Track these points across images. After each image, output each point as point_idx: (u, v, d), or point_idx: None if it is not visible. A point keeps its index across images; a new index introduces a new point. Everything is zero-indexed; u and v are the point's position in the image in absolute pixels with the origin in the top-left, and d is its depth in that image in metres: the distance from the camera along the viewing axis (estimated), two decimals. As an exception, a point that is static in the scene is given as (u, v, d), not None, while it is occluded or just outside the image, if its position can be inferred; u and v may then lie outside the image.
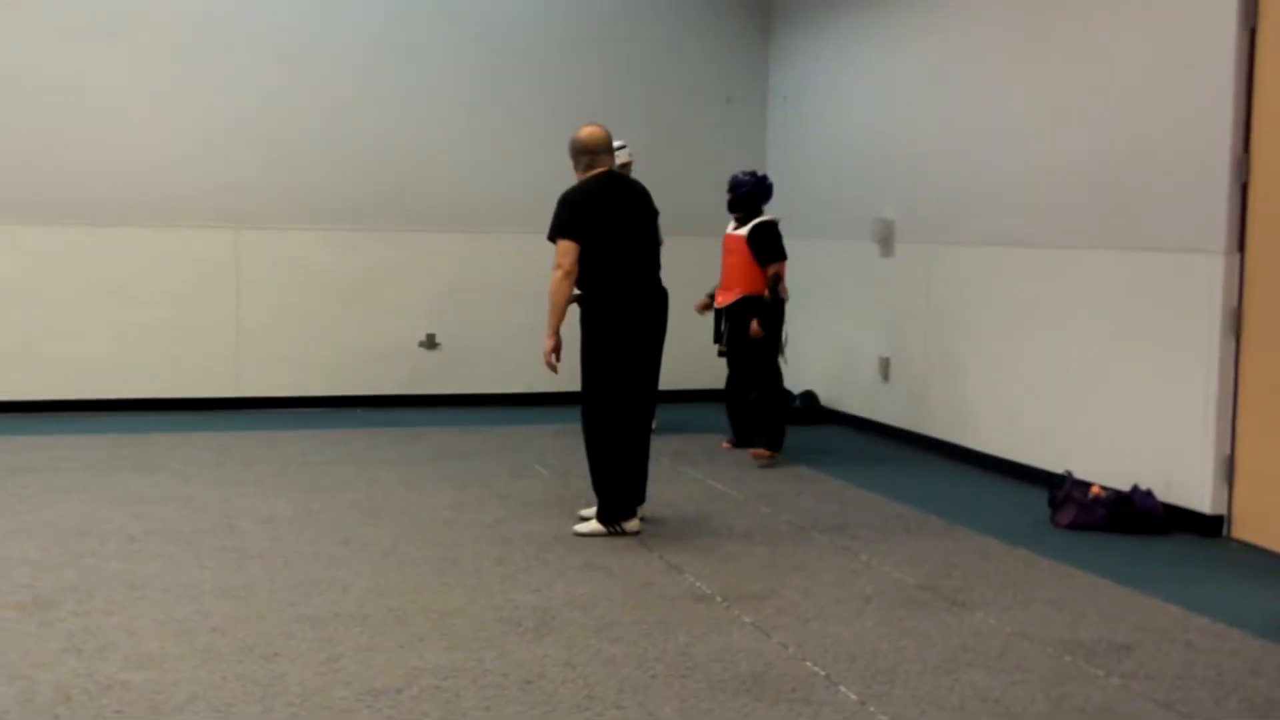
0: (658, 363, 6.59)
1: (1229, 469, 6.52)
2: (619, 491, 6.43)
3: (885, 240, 9.37)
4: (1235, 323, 6.46)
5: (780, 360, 8.45)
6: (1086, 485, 6.88)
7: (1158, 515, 6.65)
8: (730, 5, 11.21)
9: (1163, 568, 6.06)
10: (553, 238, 6.44)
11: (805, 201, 10.60)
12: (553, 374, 6.61)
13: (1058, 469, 7.25)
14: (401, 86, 10.49)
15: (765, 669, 4.58)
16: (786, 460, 8.35)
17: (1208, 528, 6.56)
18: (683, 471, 8.04)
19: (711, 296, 8.66)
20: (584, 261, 6.37)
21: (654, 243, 6.61)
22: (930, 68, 8.91)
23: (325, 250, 10.43)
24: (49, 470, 7.77)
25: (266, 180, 10.28)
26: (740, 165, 11.20)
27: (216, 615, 5.07)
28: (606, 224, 6.41)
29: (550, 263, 6.44)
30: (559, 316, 6.43)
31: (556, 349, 6.45)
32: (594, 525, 6.45)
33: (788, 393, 10.28)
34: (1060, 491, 6.91)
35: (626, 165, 8.60)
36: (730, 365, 8.61)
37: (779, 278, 8.24)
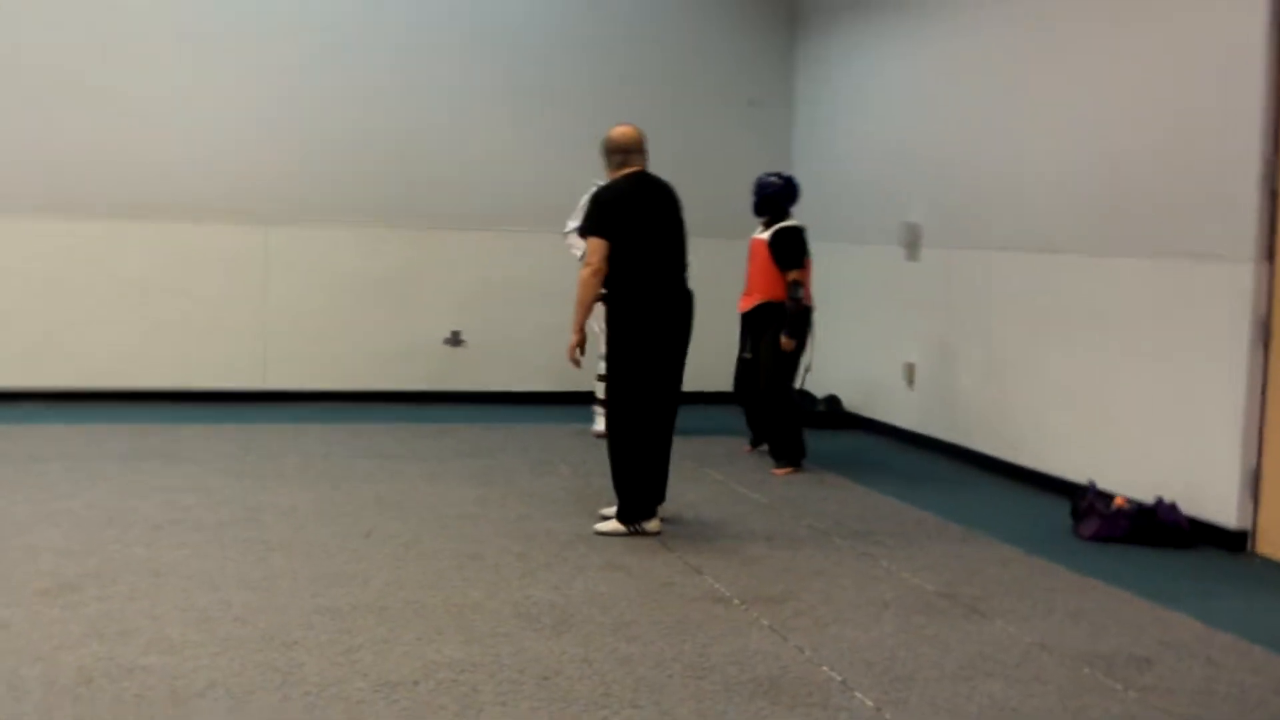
0: (682, 364, 6.59)
1: (1255, 483, 6.47)
2: (640, 491, 6.43)
3: (911, 245, 9.35)
4: (1264, 333, 6.39)
5: (799, 377, 8.37)
6: (1110, 496, 6.85)
7: (1181, 528, 6.61)
8: (757, 8, 11.21)
9: (1185, 582, 6.02)
10: (583, 235, 6.47)
11: (831, 205, 10.58)
12: (575, 369, 6.63)
13: (1081, 479, 7.22)
14: (429, 86, 10.53)
15: (782, 672, 4.58)
16: (810, 465, 8.33)
17: (1232, 542, 6.52)
18: (705, 473, 8.04)
19: None
20: (612, 260, 6.38)
21: (681, 244, 6.62)
22: (958, 71, 8.89)
23: (352, 247, 10.48)
24: (76, 459, 7.83)
25: (295, 177, 10.33)
26: (765, 168, 11.22)
27: (237, 604, 5.10)
28: (635, 223, 6.42)
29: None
30: (585, 313, 6.45)
31: (580, 344, 6.47)
32: (614, 525, 6.45)
33: (804, 398, 10.29)
34: (1083, 502, 6.88)
35: None
36: (745, 369, 8.51)
37: (798, 284, 8.13)
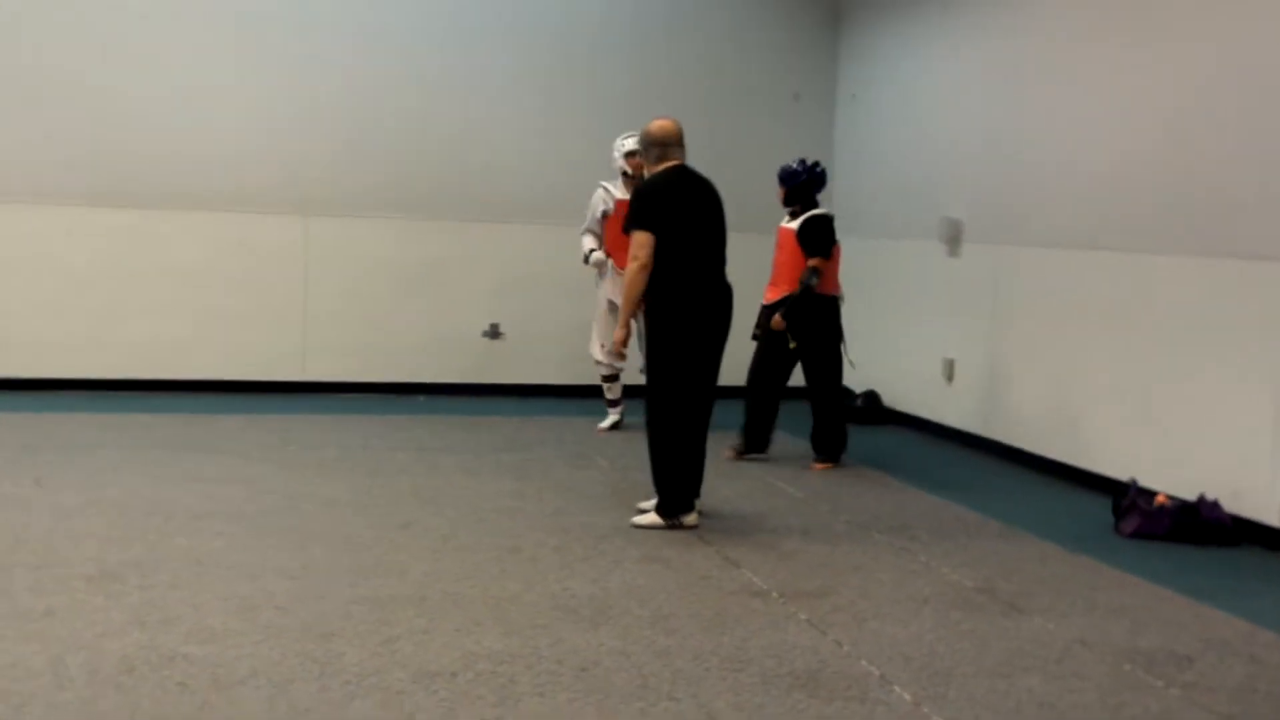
0: (720, 358, 6.58)
1: (1298, 481, 6.41)
2: (679, 485, 6.43)
3: (953, 240, 9.30)
4: (1309, 333, 6.34)
5: (847, 363, 8.32)
6: (1152, 494, 6.80)
7: (1224, 526, 6.55)
8: (799, 1, 11.17)
9: (1228, 579, 5.97)
10: (627, 229, 6.45)
11: (872, 200, 10.55)
12: (621, 363, 6.65)
13: (1123, 476, 7.17)
14: (469, 80, 10.56)
15: (820, 666, 4.57)
16: (848, 461, 8.30)
17: (1275, 540, 6.45)
18: (742, 467, 8.03)
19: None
20: (656, 254, 6.36)
21: (721, 238, 6.60)
22: (1002, 66, 8.83)
23: (392, 239, 10.53)
24: (119, 448, 7.90)
25: (336, 169, 10.39)
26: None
27: (277, 593, 5.14)
28: (676, 217, 6.41)
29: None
30: (633, 307, 6.45)
31: (626, 339, 6.48)
32: (652, 518, 6.45)
33: (848, 393, 10.24)
34: (1125, 499, 6.83)
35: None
36: (761, 369, 8.27)
37: (816, 271, 7.94)
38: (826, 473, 8.01)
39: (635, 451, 7.48)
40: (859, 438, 8.85)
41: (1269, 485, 6.48)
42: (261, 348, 10.36)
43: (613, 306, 8.93)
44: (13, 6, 9.82)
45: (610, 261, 8.99)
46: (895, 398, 10.14)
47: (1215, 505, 6.61)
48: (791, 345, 8.15)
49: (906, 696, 4.32)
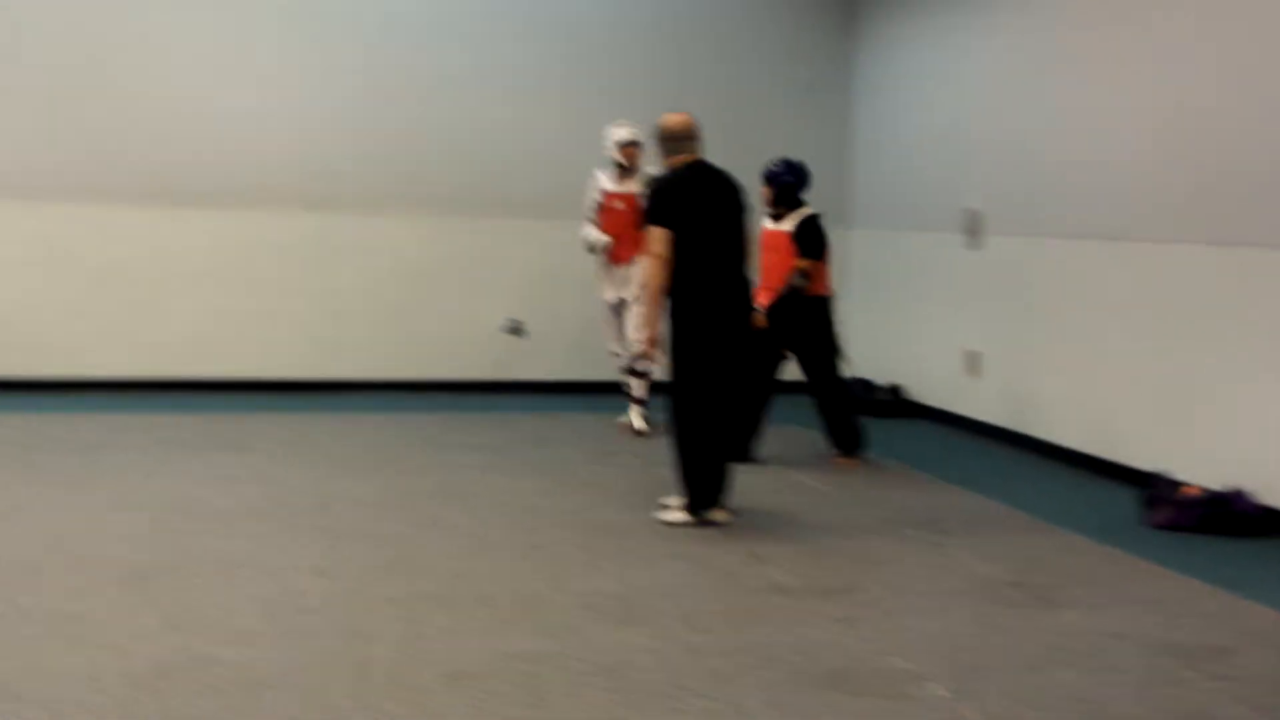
0: (744, 353, 6.55)
1: (1330, 471, 6.36)
2: (704, 481, 6.41)
3: (973, 232, 9.26)
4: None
5: (846, 359, 8.21)
6: (1181, 485, 6.75)
7: (1255, 516, 6.50)
8: (816, -7, 11.16)
9: (1260, 570, 5.92)
10: (643, 225, 6.42)
11: (891, 193, 10.51)
12: (652, 364, 6.59)
13: (1151, 468, 7.12)
14: (488, 74, 10.53)
15: (851, 663, 4.55)
16: (873, 455, 8.25)
17: (1307, 531, 6.41)
18: (768, 463, 8.00)
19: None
20: (673, 249, 6.34)
21: (740, 232, 6.55)
22: (1022, 56, 8.77)
23: (412, 235, 10.53)
24: (145, 448, 7.92)
25: (356, 166, 10.38)
26: (824, 155, 11.12)
27: (307, 594, 5.14)
28: (693, 211, 6.38)
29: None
30: (655, 304, 6.40)
31: (654, 340, 6.43)
32: (679, 514, 6.43)
33: (866, 387, 10.20)
34: (1154, 491, 6.79)
35: (639, 145, 8.58)
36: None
37: (804, 273, 7.79)
38: (852, 468, 7.97)
39: (660, 447, 7.47)
40: (884, 432, 8.82)
41: (1300, 475, 6.43)
42: (284, 346, 10.36)
43: (619, 304, 8.82)
44: (36, 9, 9.84)
45: (605, 255, 8.82)
46: (919, 391, 10.10)
47: (1246, 496, 6.56)
48: (784, 351, 8.02)
49: (940, 692, 4.29)
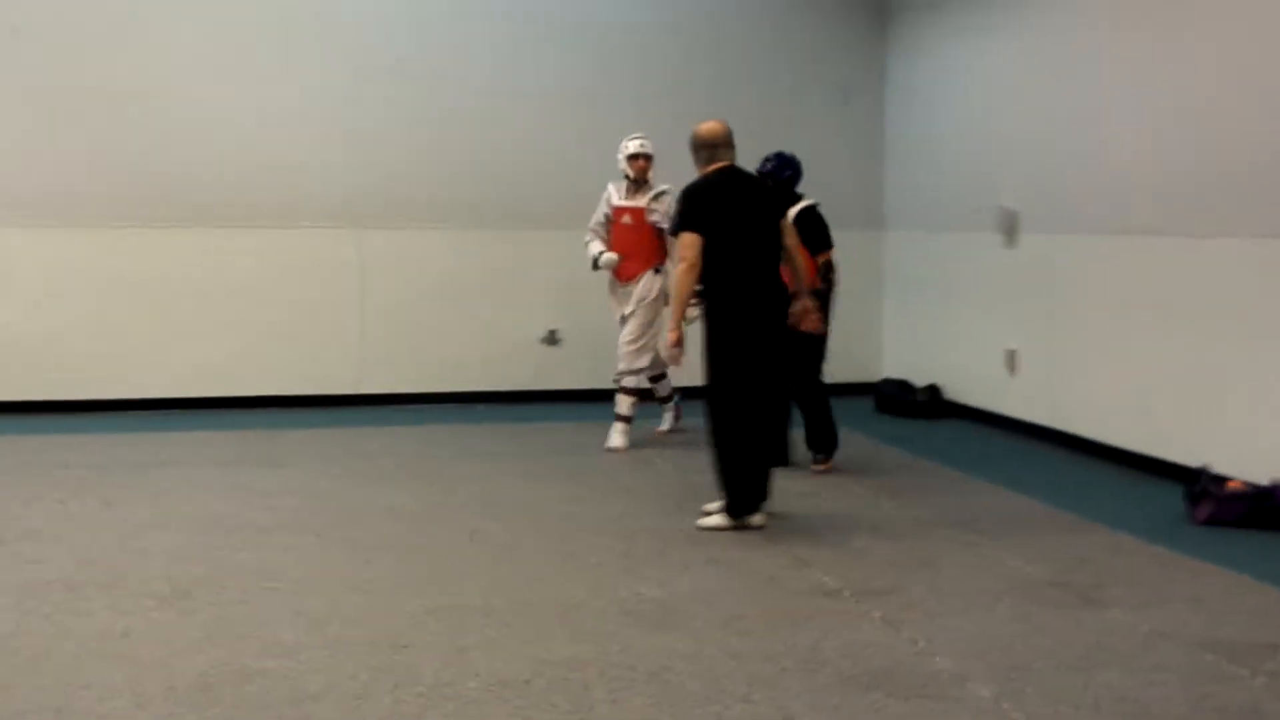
0: (780, 357, 6.52)
1: (1376, 463, 6.28)
2: (743, 485, 6.39)
3: (1009, 230, 9.20)
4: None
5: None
6: (1224, 480, 6.68)
7: (1300, 511, 6.43)
8: (847, -5, 11.13)
9: (1307, 565, 5.86)
10: (674, 231, 6.41)
11: (925, 193, 10.47)
12: (676, 366, 6.58)
13: (1193, 463, 7.05)
14: (518, 85, 10.56)
15: (895, 665, 4.52)
16: (911, 455, 8.22)
17: (1353, 524, 6.33)
18: (805, 465, 7.96)
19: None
20: (705, 255, 6.33)
21: (774, 237, 6.52)
22: (1054, 53, 8.72)
23: (446, 249, 10.56)
24: (183, 465, 7.97)
25: (388, 181, 10.42)
26: (856, 156, 11.10)
27: (346, 606, 5.15)
28: (727, 217, 6.37)
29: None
30: (683, 309, 6.40)
31: (679, 342, 6.43)
32: (718, 519, 6.42)
33: (903, 388, 10.15)
34: (1197, 486, 6.72)
35: (651, 159, 8.44)
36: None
37: (831, 265, 7.75)
38: (891, 468, 7.93)
39: (698, 453, 7.45)
40: (921, 432, 8.79)
41: (1345, 467, 6.35)
42: (319, 362, 10.41)
43: (624, 320, 8.66)
44: (71, 32, 9.93)
45: (611, 272, 8.69)
46: (956, 391, 10.04)
47: (1290, 489, 6.49)
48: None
49: (984, 693, 4.26)
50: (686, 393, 9.60)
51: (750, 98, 10.60)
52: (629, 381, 8.59)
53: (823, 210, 7.89)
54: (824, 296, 7.68)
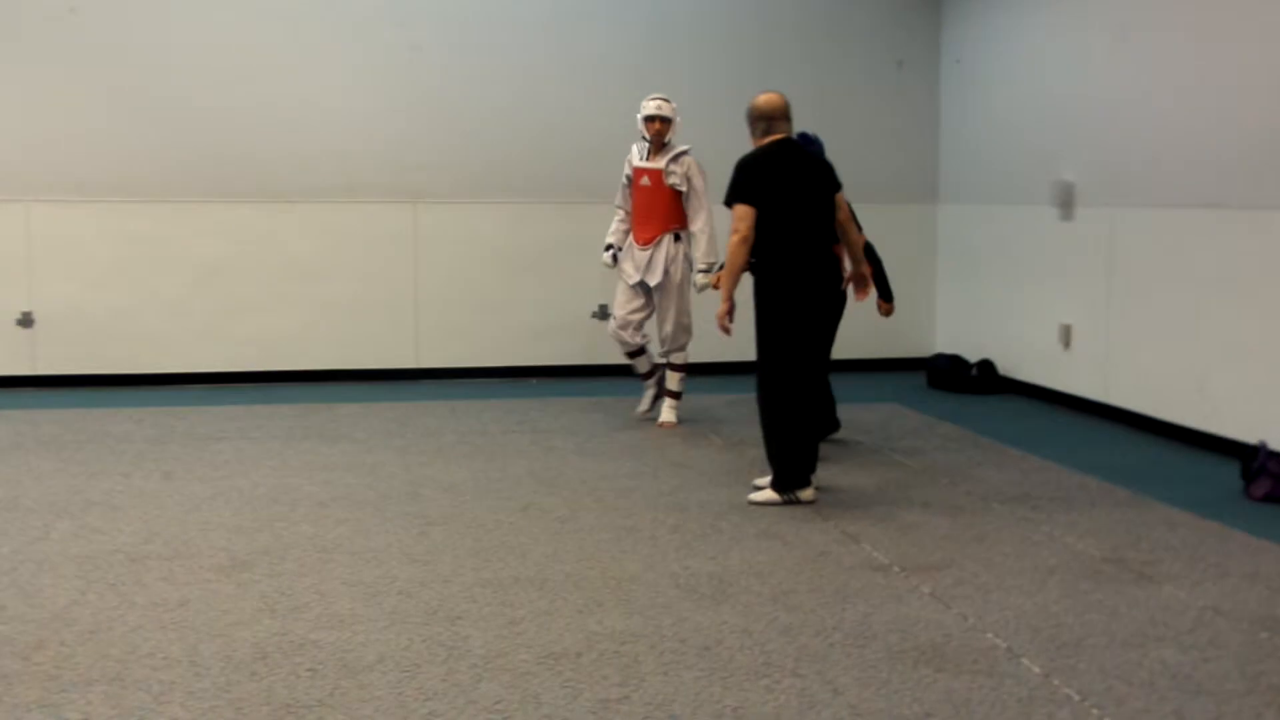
0: (832, 331, 6.52)
1: None
2: (794, 460, 6.39)
3: (1065, 204, 9.11)
4: None
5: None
6: (1282, 456, 6.61)
7: (1360, 487, 6.36)
8: (902, -33, 11.04)
9: (1366, 542, 5.79)
10: (729, 203, 6.41)
11: (980, 166, 10.38)
12: (726, 337, 6.59)
13: (1250, 439, 6.97)
14: (571, 62, 10.58)
15: (945, 640, 4.52)
16: (964, 430, 8.18)
17: None
18: (858, 441, 7.96)
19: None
20: (758, 227, 6.33)
21: (828, 211, 6.51)
22: (1114, 24, 8.61)
23: (501, 224, 10.62)
24: (242, 439, 8.08)
25: (444, 157, 10.49)
26: (911, 130, 11.03)
27: (402, 578, 5.21)
28: (780, 190, 6.36)
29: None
30: (734, 280, 6.42)
31: (730, 312, 6.44)
32: (769, 494, 6.43)
33: (956, 362, 10.10)
34: (1254, 462, 6.65)
35: (669, 122, 8.23)
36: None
37: (871, 246, 7.59)
38: (944, 443, 7.90)
39: (750, 428, 7.46)
40: (974, 407, 8.74)
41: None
42: (375, 336, 10.51)
43: (639, 284, 8.47)
44: (128, 10, 10.04)
45: (630, 239, 8.51)
46: (1010, 366, 9.98)
47: (1350, 466, 6.41)
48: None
49: (1035, 669, 4.25)
50: (730, 368, 9.65)
51: (804, 72, 10.55)
52: (676, 358, 8.57)
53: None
54: (879, 277, 7.69)
